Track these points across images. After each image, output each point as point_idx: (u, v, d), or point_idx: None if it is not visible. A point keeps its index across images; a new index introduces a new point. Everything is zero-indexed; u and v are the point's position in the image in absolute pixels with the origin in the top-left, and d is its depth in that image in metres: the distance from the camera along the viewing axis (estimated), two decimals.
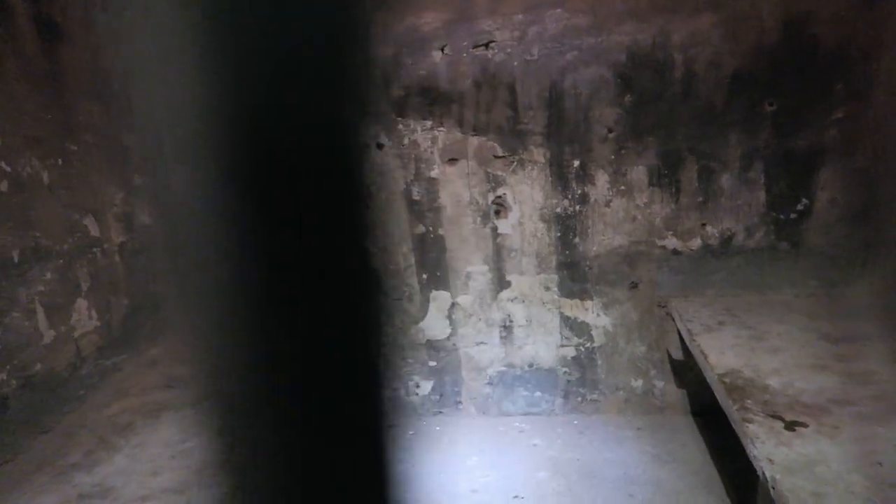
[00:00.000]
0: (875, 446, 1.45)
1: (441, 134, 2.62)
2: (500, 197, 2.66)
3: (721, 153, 2.48)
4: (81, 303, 2.07)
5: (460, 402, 2.93)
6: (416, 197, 2.70)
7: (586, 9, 2.41)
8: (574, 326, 2.76)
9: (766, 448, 1.50)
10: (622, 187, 2.58)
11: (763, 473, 1.45)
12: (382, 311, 0.38)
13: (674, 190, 2.56)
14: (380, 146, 2.66)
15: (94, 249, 2.16)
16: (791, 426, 1.58)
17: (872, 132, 2.35)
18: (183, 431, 1.79)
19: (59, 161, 2.01)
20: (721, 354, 2.03)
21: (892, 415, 1.59)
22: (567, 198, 2.62)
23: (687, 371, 2.69)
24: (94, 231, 2.17)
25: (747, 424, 1.61)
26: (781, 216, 2.51)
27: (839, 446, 1.47)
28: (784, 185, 2.48)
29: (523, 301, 2.76)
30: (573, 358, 2.80)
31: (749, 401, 1.72)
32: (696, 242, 2.59)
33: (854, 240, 2.46)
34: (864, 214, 2.44)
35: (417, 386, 2.92)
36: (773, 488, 1.39)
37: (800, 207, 2.48)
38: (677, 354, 2.59)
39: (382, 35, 2.52)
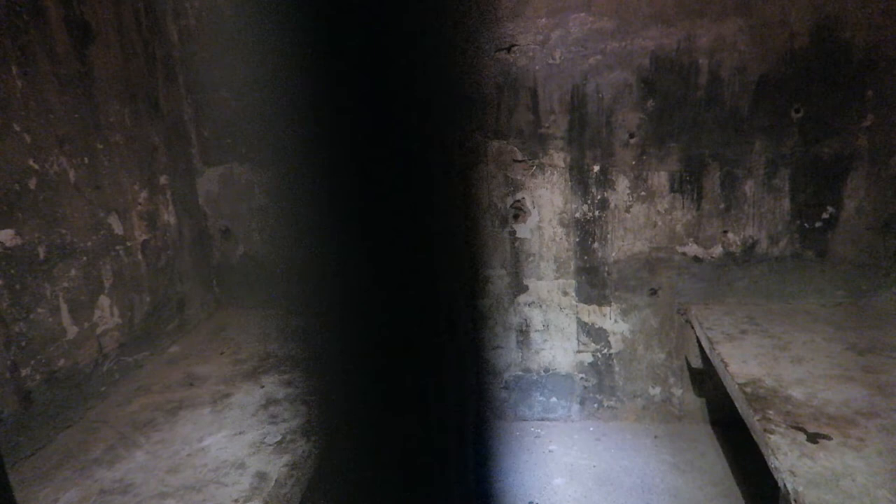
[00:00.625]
0: None
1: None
2: (518, 201, 2.65)
3: (745, 160, 2.45)
4: (104, 300, 2.09)
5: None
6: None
7: (611, 12, 2.40)
8: (592, 332, 2.74)
9: (789, 460, 1.48)
10: (643, 193, 2.56)
11: (784, 486, 1.42)
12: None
13: (696, 196, 2.53)
14: None
15: (118, 247, 2.18)
16: (814, 438, 1.56)
17: None
18: (200, 430, 1.80)
19: (86, 160, 2.04)
20: (742, 363, 2.00)
21: None
22: (587, 203, 2.60)
23: (706, 380, 2.66)
24: (118, 229, 2.19)
25: (769, 435, 1.58)
26: (806, 224, 2.47)
27: (865, 460, 1.45)
28: (810, 192, 2.44)
29: (541, 306, 2.75)
30: (590, 364, 2.78)
31: (771, 411, 1.70)
32: (717, 250, 2.56)
33: (883, 248, 2.42)
34: (893, 222, 2.39)
35: None
36: (795, 501, 1.36)
37: (825, 216, 2.44)
38: (696, 363, 2.56)
39: None
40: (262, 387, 2.08)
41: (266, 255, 2.85)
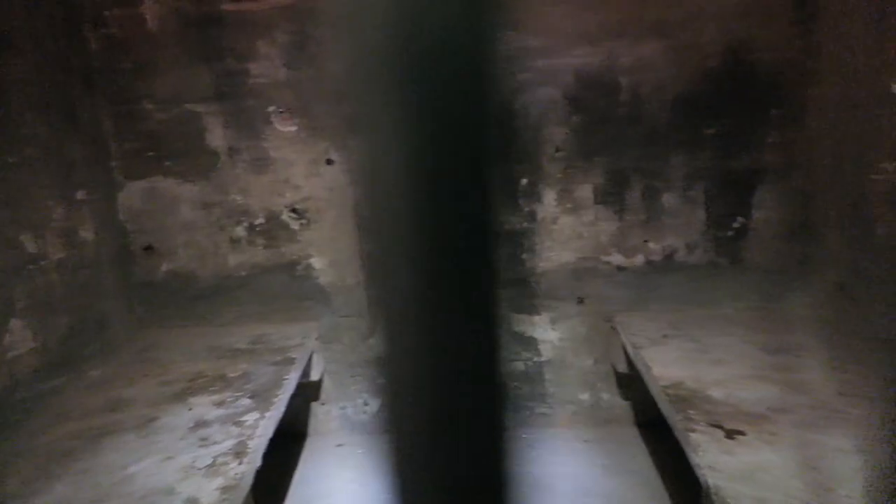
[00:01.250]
0: (812, 452, 1.53)
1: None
2: None
3: (664, 173, 2.58)
4: (16, 323, 1.97)
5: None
6: (366, 213, 2.69)
7: (538, 31, 2.48)
8: (522, 341, 2.80)
9: (709, 456, 1.56)
10: (569, 205, 2.65)
11: (706, 481, 1.50)
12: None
13: (618, 208, 2.64)
14: (329, 162, 2.65)
15: (31, 267, 2.07)
16: (732, 435, 1.65)
17: (805, 155, 2.50)
18: (125, 457, 1.73)
19: None
20: (665, 367, 2.10)
21: (826, 422, 1.68)
22: (515, 215, 2.67)
23: (632, 384, 2.76)
24: (31, 248, 2.07)
25: (690, 434, 1.67)
26: (720, 233, 2.62)
27: (779, 453, 1.55)
28: (723, 203, 2.60)
29: None
30: (522, 372, 2.84)
31: (692, 411, 1.78)
32: (639, 259, 2.68)
33: (789, 256, 2.60)
34: (798, 232, 2.58)
35: (366, 404, 2.90)
36: (716, 495, 1.44)
37: (736, 225, 2.61)
38: (622, 368, 2.65)
39: (335, 51, 2.52)
40: (191, 409, 2.01)
41: (192, 272, 2.76)
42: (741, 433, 1.65)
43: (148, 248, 2.73)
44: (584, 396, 2.84)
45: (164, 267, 2.75)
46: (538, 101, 2.55)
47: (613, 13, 2.45)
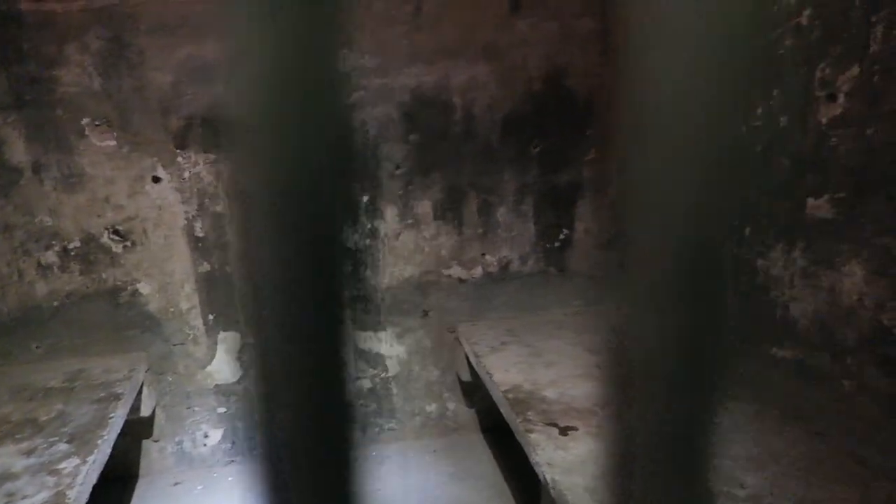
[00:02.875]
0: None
1: (227, 167, 2.52)
2: None
3: (498, 189, 2.73)
4: None
5: (255, 448, 2.79)
6: (199, 233, 2.55)
7: (374, 50, 2.52)
8: (369, 358, 2.80)
9: (546, 454, 1.66)
10: (410, 221, 2.71)
11: (544, 477, 1.60)
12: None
13: (457, 223, 2.75)
14: (156, 179, 2.48)
15: None
16: (565, 431, 1.78)
17: (616, 172, 2.77)
18: None
19: None
20: (505, 372, 2.21)
21: None
22: (357, 232, 2.67)
23: (476, 391, 2.87)
24: None
25: (529, 434, 1.77)
26: (548, 244, 2.83)
27: (604, 443, 1.69)
28: (550, 217, 2.80)
29: None
30: (369, 389, 2.84)
31: (530, 412, 1.89)
32: (478, 271, 2.81)
33: (605, 264, 2.86)
34: (612, 242, 2.85)
35: (206, 435, 2.73)
36: (553, 489, 1.54)
37: (562, 236, 2.83)
38: (466, 376, 2.75)
39: (160, 61, 2.37)
40: None
41: None
42: (574, 429, 1.78)
43: None
44: (432, 407, 2.90)
45: None
46: (375, 120, 2.59)
47: (447, 35, 2.56)
